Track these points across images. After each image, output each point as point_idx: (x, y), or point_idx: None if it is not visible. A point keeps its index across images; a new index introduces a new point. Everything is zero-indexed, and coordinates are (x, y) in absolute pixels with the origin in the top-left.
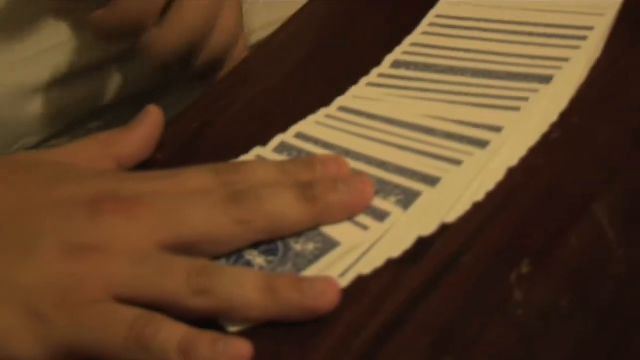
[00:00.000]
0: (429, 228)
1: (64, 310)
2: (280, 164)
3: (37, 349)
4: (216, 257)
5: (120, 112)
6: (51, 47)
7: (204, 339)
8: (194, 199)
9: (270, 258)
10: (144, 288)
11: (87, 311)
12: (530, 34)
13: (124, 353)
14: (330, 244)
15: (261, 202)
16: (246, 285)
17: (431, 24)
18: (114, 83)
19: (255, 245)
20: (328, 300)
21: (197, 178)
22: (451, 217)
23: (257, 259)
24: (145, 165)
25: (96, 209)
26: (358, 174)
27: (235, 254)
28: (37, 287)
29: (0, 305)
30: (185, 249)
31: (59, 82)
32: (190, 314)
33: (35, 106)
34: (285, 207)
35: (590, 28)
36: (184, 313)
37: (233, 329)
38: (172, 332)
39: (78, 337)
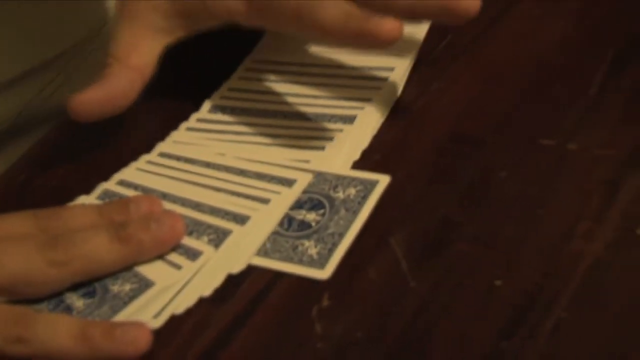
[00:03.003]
0: (238, 266)
1: None
2: (97, 207)
3: None
4: (38, 300)
5: None
6: None
7: None
8: (12, 244)
9: (89, 301)
10: None
11: None
12: (338, 76)
13: None
14: (145, 284)
15: (76, 244)
16: (61, 334)
17: (248, 69)
18: None
19: (74, 288)
20: (139, 346)
21: (16, 223)
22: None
23: (76, 302)
24: None
25: None
26: (168, 212)
27: (56, 298)
28: None
29: None
30: (5, 291)
31: None
32: None
33: None
34: (99, 248)
35: (391, 69)
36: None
37: None
38: None
39: None
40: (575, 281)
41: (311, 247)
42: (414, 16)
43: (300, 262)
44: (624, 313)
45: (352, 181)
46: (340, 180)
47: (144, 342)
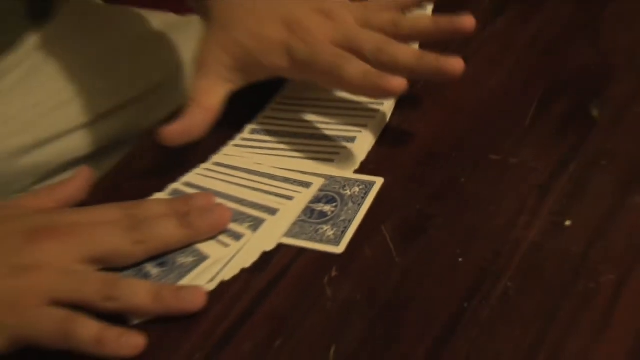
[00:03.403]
0: (270, 245)
1: (12, 314)
2: (167, 200)
3: None
4: (124, 268)
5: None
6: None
7: (113, 333)
8: (105, 227)
9: (161, 269)
10: (69, 296)
11: (28, 313)
12: (343, 107)
13: (54, 343)
14: (202, 258)
15: (153, 228)
16: (140, 294)
17: (278, 103)
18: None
19: (151, 259)
20: (197, 303)
21: (108, 212)
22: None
23: (151, 270)
24: (79, 205)
25: (34, 237)
26: (219, 205)
27: (136, 267)
28: None
29: None
30: (100, 262)
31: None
32: (103, 313)
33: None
34: (169, 231)
35: (380, 103)
36: (98, 312)
37: (134, 322)
38: (89, 328)
39: (22, 332)
40: (517, 259)
41: (329, 230)
42: (414, 75)
43: (321, 241)
44: (553, 283)
45: (356, 182)
46: (348, 181)
47: (200, 300)
